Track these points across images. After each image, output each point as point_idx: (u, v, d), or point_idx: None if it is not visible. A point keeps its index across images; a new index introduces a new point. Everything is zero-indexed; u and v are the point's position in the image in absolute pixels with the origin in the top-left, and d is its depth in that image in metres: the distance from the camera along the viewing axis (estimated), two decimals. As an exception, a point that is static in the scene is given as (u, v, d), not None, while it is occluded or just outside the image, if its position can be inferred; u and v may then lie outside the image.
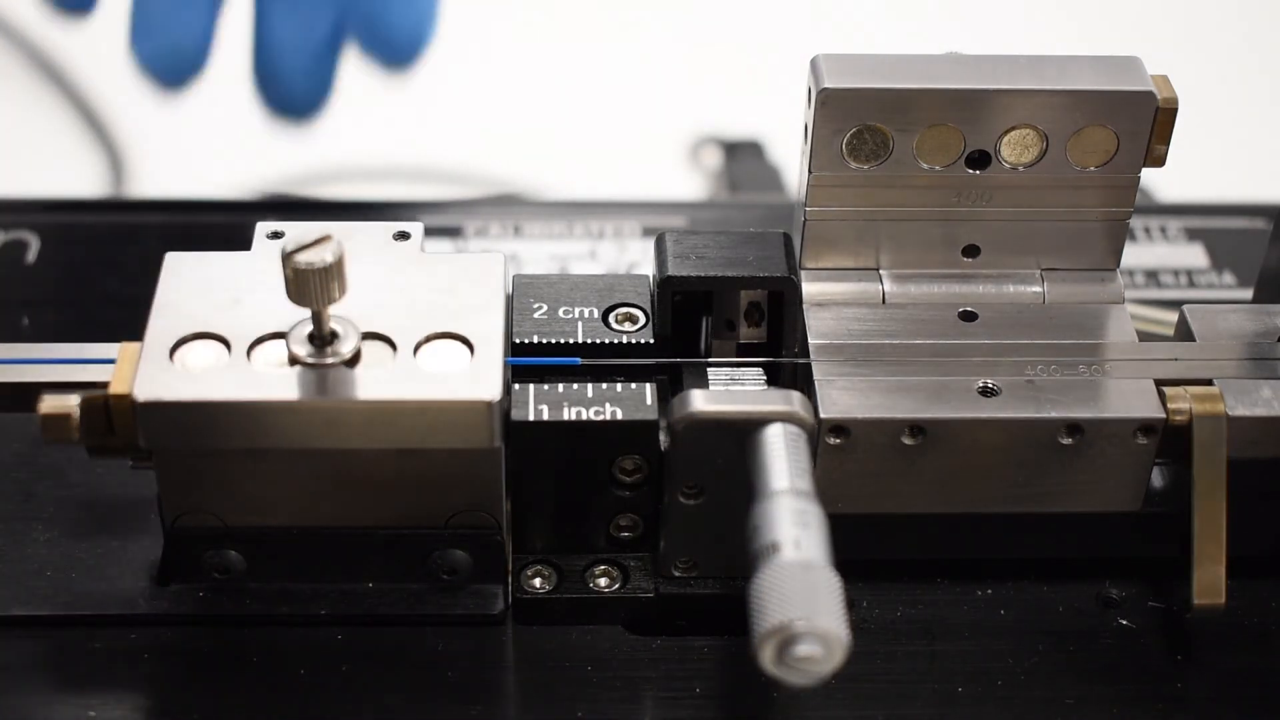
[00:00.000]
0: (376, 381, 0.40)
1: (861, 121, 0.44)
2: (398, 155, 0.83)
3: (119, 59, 0.59)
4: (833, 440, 0.42)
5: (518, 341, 0.43)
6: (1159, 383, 0.43)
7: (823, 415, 0.42)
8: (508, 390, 0.41)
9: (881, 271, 0.46)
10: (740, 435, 0.40)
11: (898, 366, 0.43)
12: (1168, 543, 0.44)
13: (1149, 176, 0.45)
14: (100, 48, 0.73)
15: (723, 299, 0.44)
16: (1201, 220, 0.58)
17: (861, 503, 0.43)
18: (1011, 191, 0.45)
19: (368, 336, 0.41)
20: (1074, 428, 0.42)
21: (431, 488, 0.42)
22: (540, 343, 0.43)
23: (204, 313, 0.41)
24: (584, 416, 0.41)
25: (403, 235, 0.44)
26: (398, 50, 0.59)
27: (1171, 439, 0.42)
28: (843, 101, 0.43)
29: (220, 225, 0.57)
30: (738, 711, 0.42)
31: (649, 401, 0.42)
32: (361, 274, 0.42)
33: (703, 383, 0.43)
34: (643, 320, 0.44)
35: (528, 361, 0.43)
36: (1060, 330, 0.45)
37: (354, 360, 0.40)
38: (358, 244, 0.43)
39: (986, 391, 0.42)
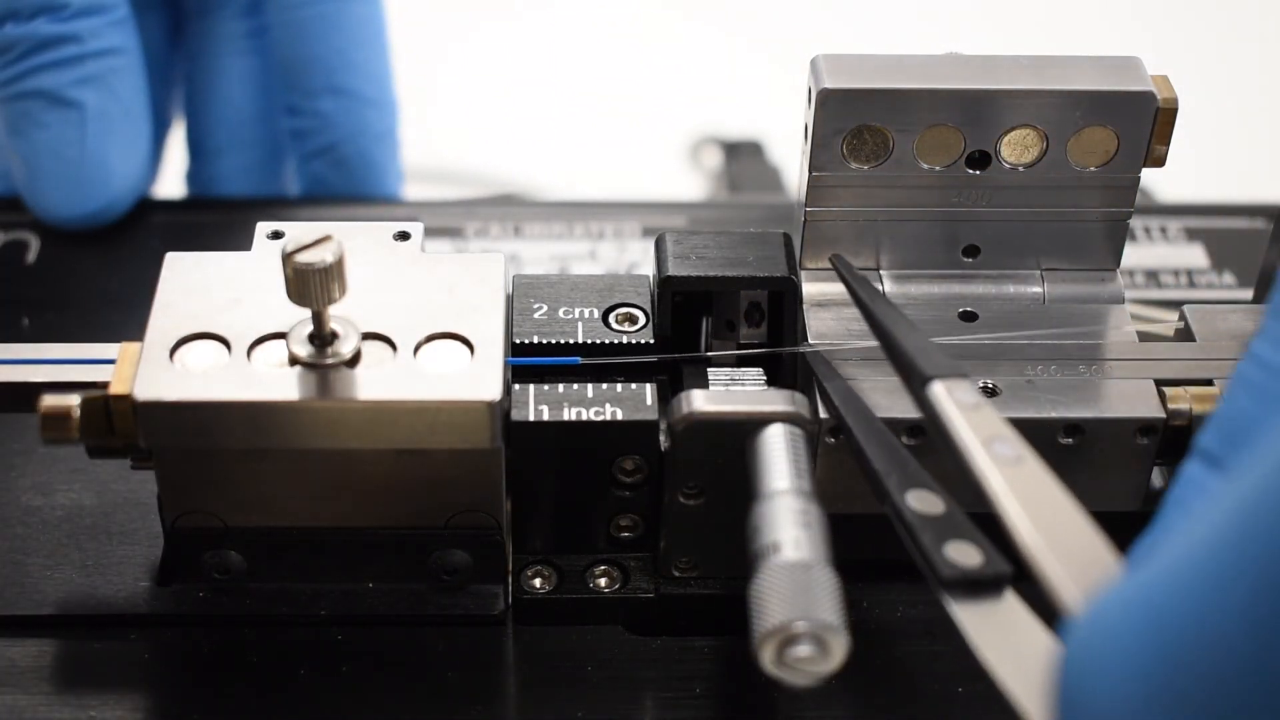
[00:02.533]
0: (376, 381, 0.40)
1: (861, 121, 0.43)
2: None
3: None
4: (833, 440, 0.42)
5: (518, 341, 0.43)
6: (1159, 383, 0.43)
7: (823, 415, 0.42)
8: (508, 390, 0.41)
9: (881, 271, 0.46)
10: (740, 435, 0.40)
11: (898, 366, 0.43)
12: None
13: (1149, 176, 0.45)
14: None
15: (723, 299, 0.44)
16: (1201, 220, 0.58)
17: (861, 503, 0.43)
18: (1011, 191, 0.45)
19: (368, 336, 0.41)
20: (1074, 428, 0.42)
21: (431, 488, 0.42)
22: (540, 343, 0.43)
23: (204, 313, 0.41)
24: (584, 416, 0.41)
25: (403, 235, 0.44)
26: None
27: (1171, 439, 0.42)
28: (843, 101, 0.43)
29: (220, 225, 0.57)
30: (738, 711, 0.42)
31: (649, 401, 0.42)
32: (361, 274, 0.42)
33: (703, 383, 0.43)
34: (643, 320, 0.44)
35: (528, 361, 0.43)
36: (1060, 330, 0.45)
37: (354, 360, 0.40)
38: (358, 244, 0.43)
39: (986, 391, 0.42)
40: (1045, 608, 0.34)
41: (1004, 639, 0.35)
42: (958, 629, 0.44)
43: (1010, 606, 0.35)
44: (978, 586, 0.36)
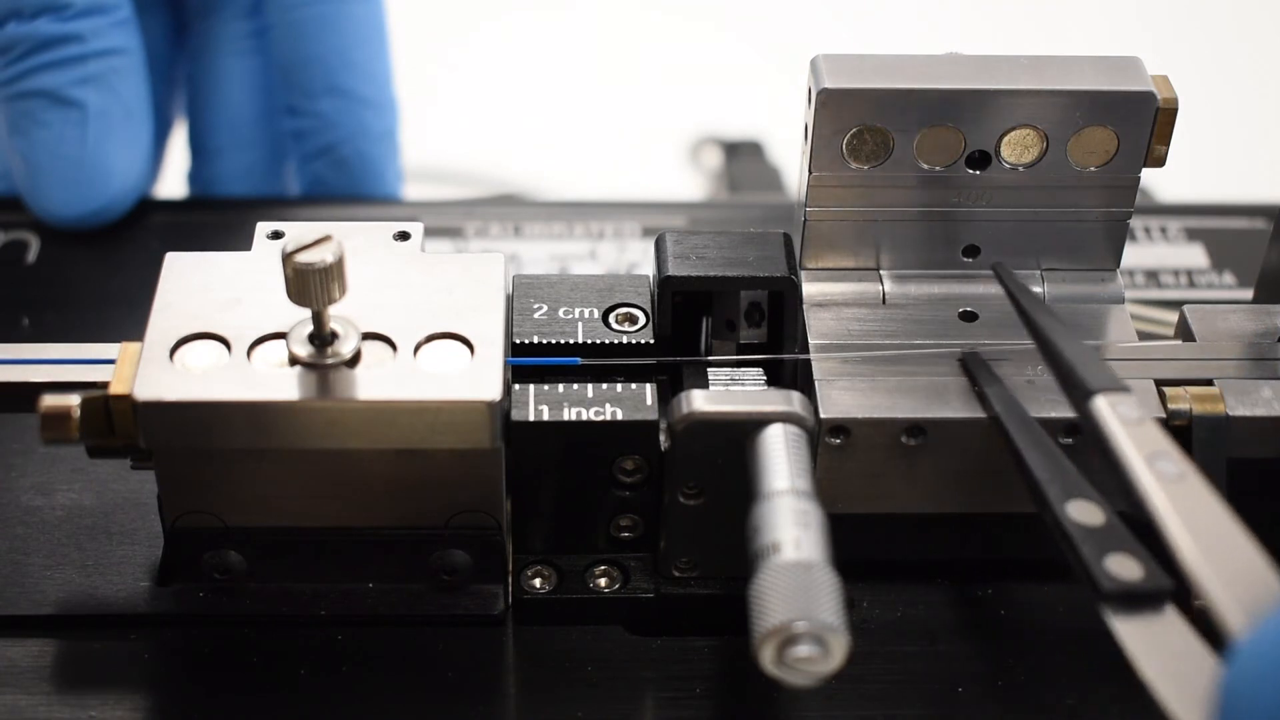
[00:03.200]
0: (376, 381, 0.40)
1: (861, 121, 0.43)
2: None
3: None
4: (833, 440, 0.42)
5: (518, 341, 0.43)
6: (1159, 383, 0.43)
7: (823, 415, 0.42)
8: (508, 390, 0.41)
9: (881, 271, 0.46)
10: (740, 435, 0.40)
11: (898, 366, 0.43)
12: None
13: (1149, 176, 0.45)
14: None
15: (723, 299, 0.44)
16: (1201, 220, 0.58)
17: (861, 503, 0.43)
18: (1011, 191, 0.45)
19: (368, 336, 0.41)
20: (1074, 428, 0.42)
21: (431, 488, 0.42)
22: (540, 343, 0.43)
23: (204, 313, 0.41)
24: (584, 417, 0.41)
25: (403, 235, 0.44)
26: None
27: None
28: (843, 101, 0.43)
29: (220, 225, 0.57)
30: (738, 711, 0.42)
31: (649, 401, 0.42)
32: (361, 274, 0.42)
33: (703, 383, 0.43)
34: (643, 320, 0.44)
35: (528, 361, 0.43)
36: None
37: (354, 360, 0.40)
38: (358, 244, 0.43)
39: (986, 391, 0.42)
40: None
41: (1163, 655, 0.34)
42: (957, 629, 0.44)
43: (1170, 622, 0.35)
44: (1138, 600, 0.35)
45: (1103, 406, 0.38)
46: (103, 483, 0.47)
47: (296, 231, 0.39)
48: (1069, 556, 0.37)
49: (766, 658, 0.35)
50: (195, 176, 0.62)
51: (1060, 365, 0.40)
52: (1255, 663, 0.29)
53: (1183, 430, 0.42)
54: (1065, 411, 0.42)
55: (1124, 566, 0.36)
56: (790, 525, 0.37)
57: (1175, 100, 0.44)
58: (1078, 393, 0.39)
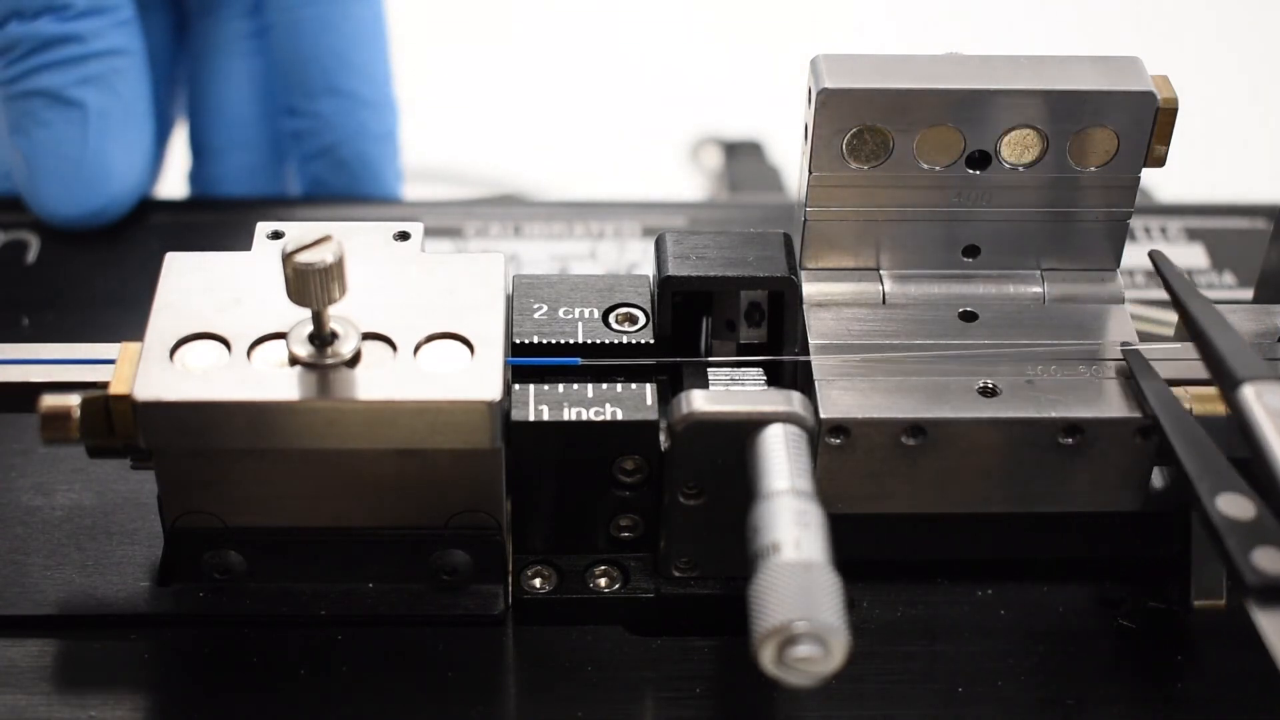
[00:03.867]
0: (376, 381, 0.40)
1: (861, 121, 0.43)
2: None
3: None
4: (833, 440, 0.42)
5: (518, 341, 0.43)
6: (1159, 383, 0.43)
7: (823, 415, 0.42)
8: (508, 390, 0.41)
9: (881, 271, 0.46)
10: (740, 435, 0.40)
11: (898, 366, 0.43)
12: (1168, 543, 0.44)
13: (1149, 176, 0.45)
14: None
15: (723, 299, 0.44)
16: (1201, 220, 0.58)
17: (861, 503, 0.43)
18: (1011, 191, 0.45)
19: (368, 336, 0.41)
20: (1074, 428, 0.42)
21: (431, 488, 0.42)
22: (540, 343, 0.43)
23: (204, 313, 0.41)
24: (584, 417, 0.41)
25: (403, 235, 0.44)
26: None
27: (1172, 439, 0.42)
28: (843, 101, 0.43)
29: (220, 225, 0.57)
30: (738, 711, 0.42)
31: (649, 401, 0.42)
32: (361, 274, 0.42)
33: (703, 383, 0.43)
34: (643, 320, 0.44)
35: (528, 361, 0.43)
36: (1060, 330, 0.45)
37: (354, 360, 0.40)
38: (358, 244, 0.43)
39: (986, 391, 0.42)
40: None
41: None
42: (957, 629, 0.44)
43: None
44: None
45: (1249, 395, 0.38)
46: (103, 483, 0.47)
47: (296, 231, 0.39)
48: (1216, 550, 0.37)
49: (766, 658, 0.35)
50: (195, 176, 0.62)
51: (1210, 353, 0.40)
52: None
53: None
54: (1065, 412, 0.42)
55: (1272, 560, 0.36)
56: (790, 525, 0.37)
57: (1175, 100, 0.44)
58: (1226, 381, 0.39)
